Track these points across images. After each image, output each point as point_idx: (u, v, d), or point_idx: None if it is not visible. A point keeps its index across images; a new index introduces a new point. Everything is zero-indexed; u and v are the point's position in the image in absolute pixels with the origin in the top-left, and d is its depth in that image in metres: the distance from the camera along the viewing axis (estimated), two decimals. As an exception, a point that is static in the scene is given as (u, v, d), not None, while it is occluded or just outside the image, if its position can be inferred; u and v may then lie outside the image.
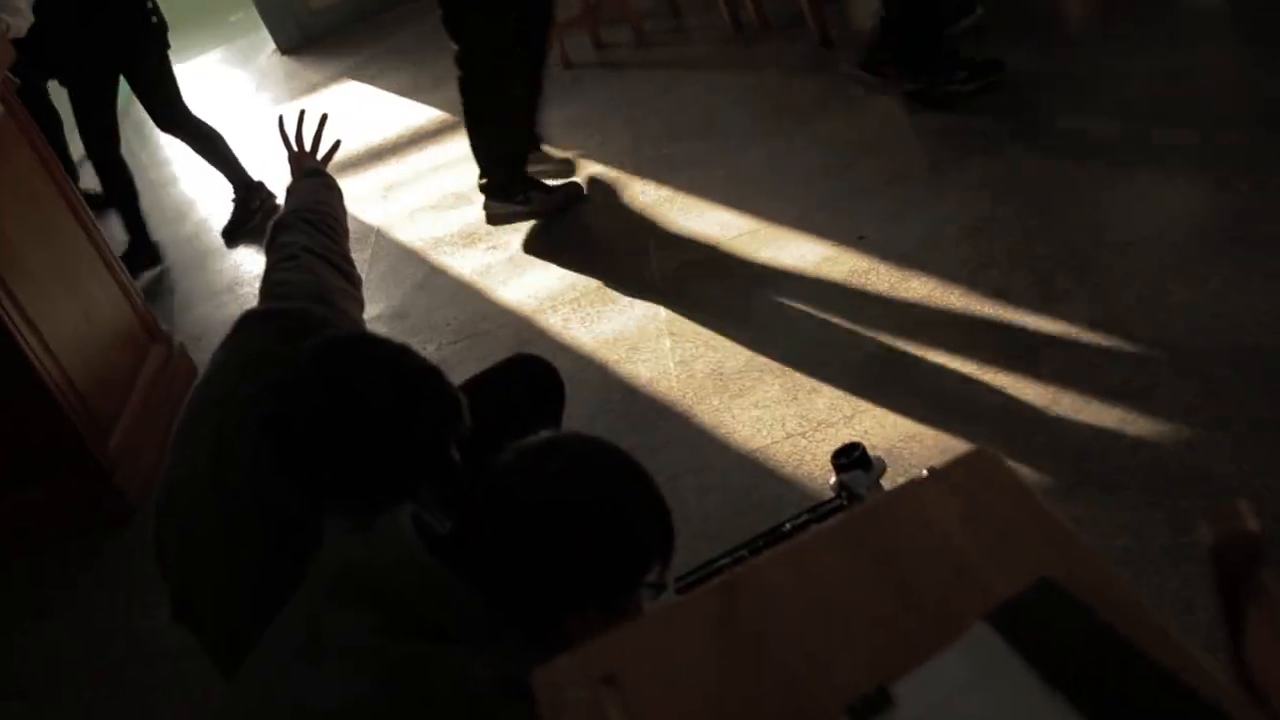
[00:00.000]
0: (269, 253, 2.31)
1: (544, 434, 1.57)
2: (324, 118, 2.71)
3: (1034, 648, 0.98)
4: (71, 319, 3.66)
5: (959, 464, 1.20)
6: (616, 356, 3.47)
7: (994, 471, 1.18)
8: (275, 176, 5.41)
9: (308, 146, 2.65)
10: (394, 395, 1.72)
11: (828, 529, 1.21)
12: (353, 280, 2.27)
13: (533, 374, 2.45)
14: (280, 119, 2.75)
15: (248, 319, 2.07)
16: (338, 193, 2.53)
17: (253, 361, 1.96)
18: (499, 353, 3.58)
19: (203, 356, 4.21)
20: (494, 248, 4.33)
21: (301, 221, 2.33)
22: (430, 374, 1.77)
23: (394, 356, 1.77)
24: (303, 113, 2.73)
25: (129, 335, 3.98)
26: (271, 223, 2.38)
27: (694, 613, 1.16)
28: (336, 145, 2.68)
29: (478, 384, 2.35)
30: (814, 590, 1.13)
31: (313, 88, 6.94)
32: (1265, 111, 3.46)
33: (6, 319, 3.35)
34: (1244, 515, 1.06)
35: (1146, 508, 2.37)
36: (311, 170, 2.56)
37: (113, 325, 3.90)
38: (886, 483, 2.16)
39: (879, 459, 2.14)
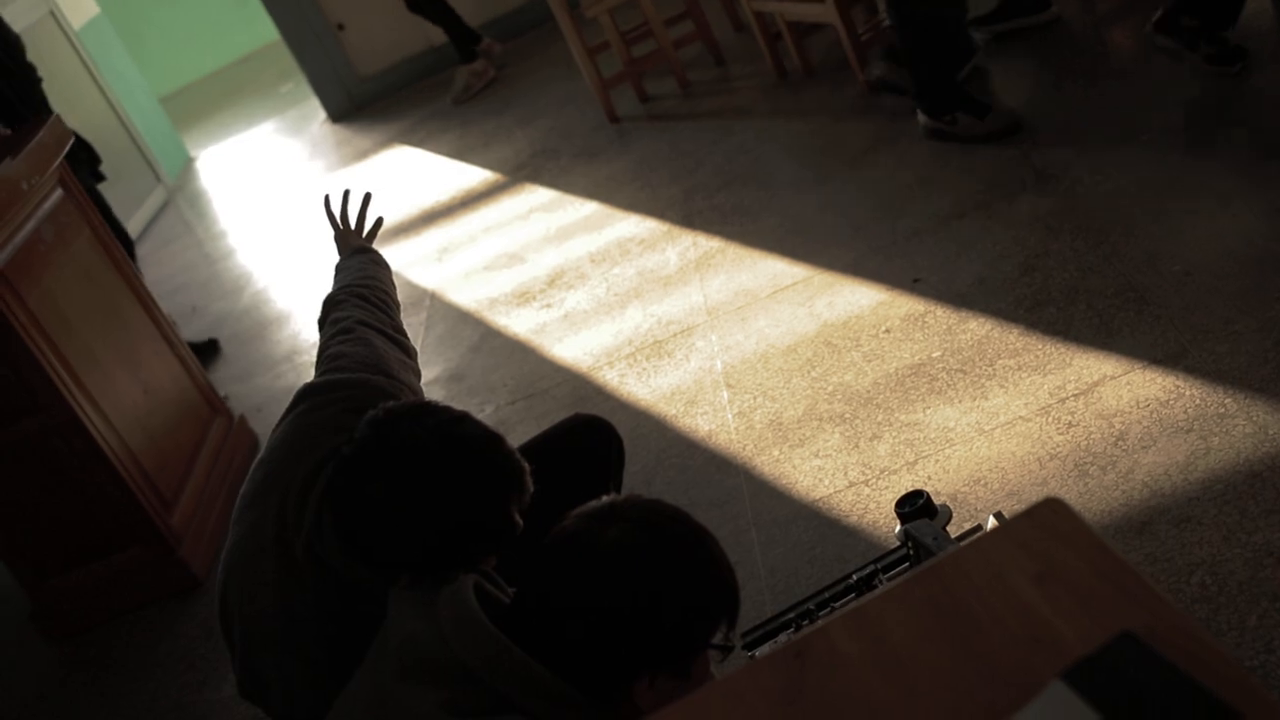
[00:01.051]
0: (323, 328, 2.33)
1: (605, 499, 1.56)
2: (367, 196, 2.75)
3: (1114, 705, 0.96)
4: (133, 395, 3.71)
5: (1028, 516, 1.18)
6: (674, 411, 3.46)
7: (1064, 521, 1.16)
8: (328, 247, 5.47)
9: (353, 224, 2.68)
10: (456, 465, 1.71)
11: (894, 588, 1.19)
12: (408, 351, 2.28)
13: (592, 434, 2.44)
14: (326, 198, 2.79)
15: (307, 392, 2.08)
16: (385, 268, 2.56)
17: (314, 433, 1.96)
18: (556, 411, 3.59)
19: (263, 427, 4.26)
20: (548, 306, 4.34)
21: (353, 297, 2.35)
22: (493, 441, 1.77)
23: (455, 425, 1.76)
24: (347, 192, 2.76)
25: (191, 409, 4.03)
26: (324, 300, 2.40)
27: (761, 682, 1.14)
28: (379, 223, 2.71)
29: (538, 446, 2.35)
30: (883, 653, 1.11)
31: (363, 154, 7.02)
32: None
33: (71, 399, 3.40)
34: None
35: (1222, 543, 2.32)
36: (358, 248, 2.59)
37: (174, 400, 3.95)
38: (953, 528, 2.14)
39: (944, 506, 2.11)
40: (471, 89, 6.94)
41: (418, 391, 2.17)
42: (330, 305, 2.37)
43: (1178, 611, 1.04)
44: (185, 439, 3.92)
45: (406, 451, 1.72)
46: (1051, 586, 1.10)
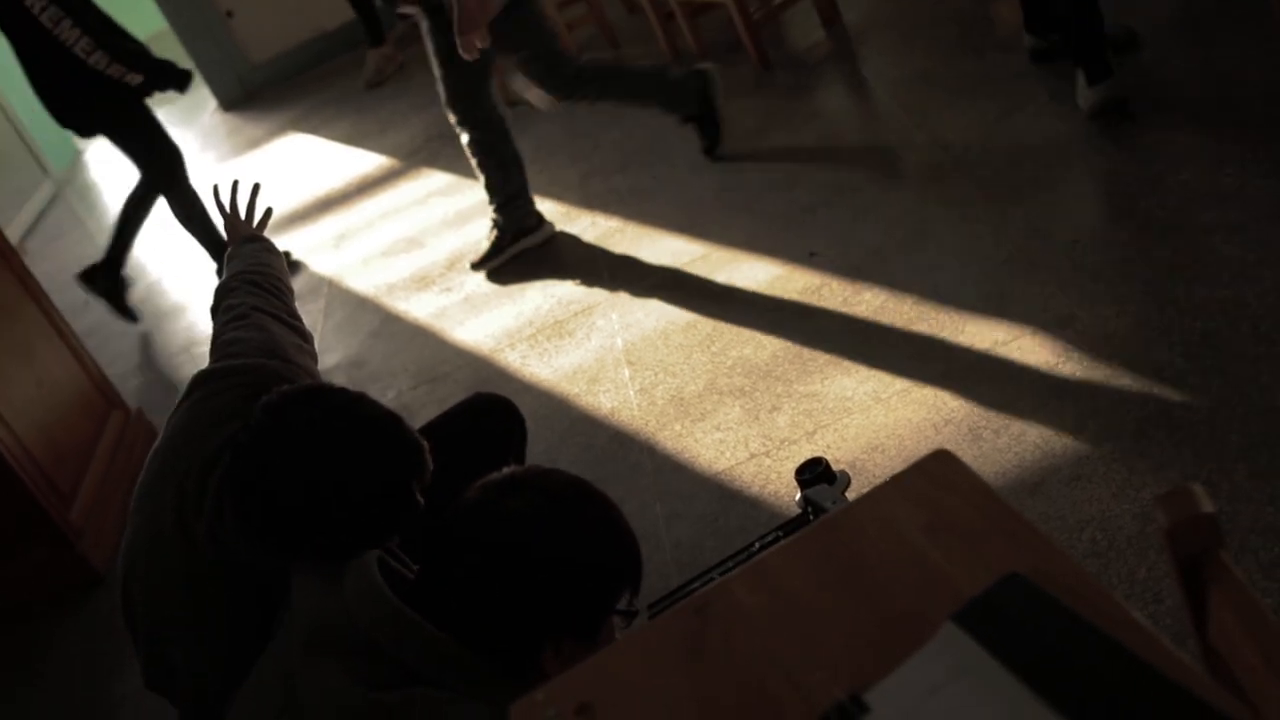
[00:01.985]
0: (216, 315, 2.30)
1: (505, 471, 1.57)
2: (256, 187, 2.73)
3: (1004, 643, 0.99)
4: (26, 390, 3.64)
5: (918, 468, 1.21)
6: (577, 390, 3.47)
7: (954, 473, 1.19)
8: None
9: (242, 215, 2.66)
10: (354, 445, 1.71)
11: (791, 543, 1.21)
12: (304, 335, 2.26)
13: (493, 412, 2.45)
14: (215, 189, 2.76)
15: (202, 379, 2.06)
16: (277, 254, 2.54)
17: (210, 420, 1.94)
18: (459, 395, 3.58)
19: (161, 419, 4.19)
20: (448, 290, 4.33)
21: (246, 284, 2.33)
22: (390, 420, 1.76)
23: (351, 405, 1.76)
24: (236, 183, 2.74)
25: (86, 403, 3.96)
26: (216, 287, 2.38)
27: (665, 637, 1.16)
28: (269, 213, 2.70)
29: (438, 426, 2.35)
30: (782, 605, 1.13)
31: (256, 142, 6.93)
32: None
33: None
34: (1199, 499, 1.07)
35: (1111, 500, 2.39)
36: (249, 236, 2.57)
37: (69, 394, 3.88)
38: (852, 494, 2.17)
39: (843, 472, 2.15)
40: (383, 72, 6.89)
41: (314, 375, 2.15)
42: (223, 292, 2.34)
43: (1063, 553, 1.08)
44: (82, 433, 3.85)
45: (303, 434, 1.71)
46: (942, 534, 1.13)
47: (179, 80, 4.75)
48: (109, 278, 5.07)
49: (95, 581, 3.60)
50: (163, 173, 4.84)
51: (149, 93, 4.65)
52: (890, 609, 1.08)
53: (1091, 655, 0.96)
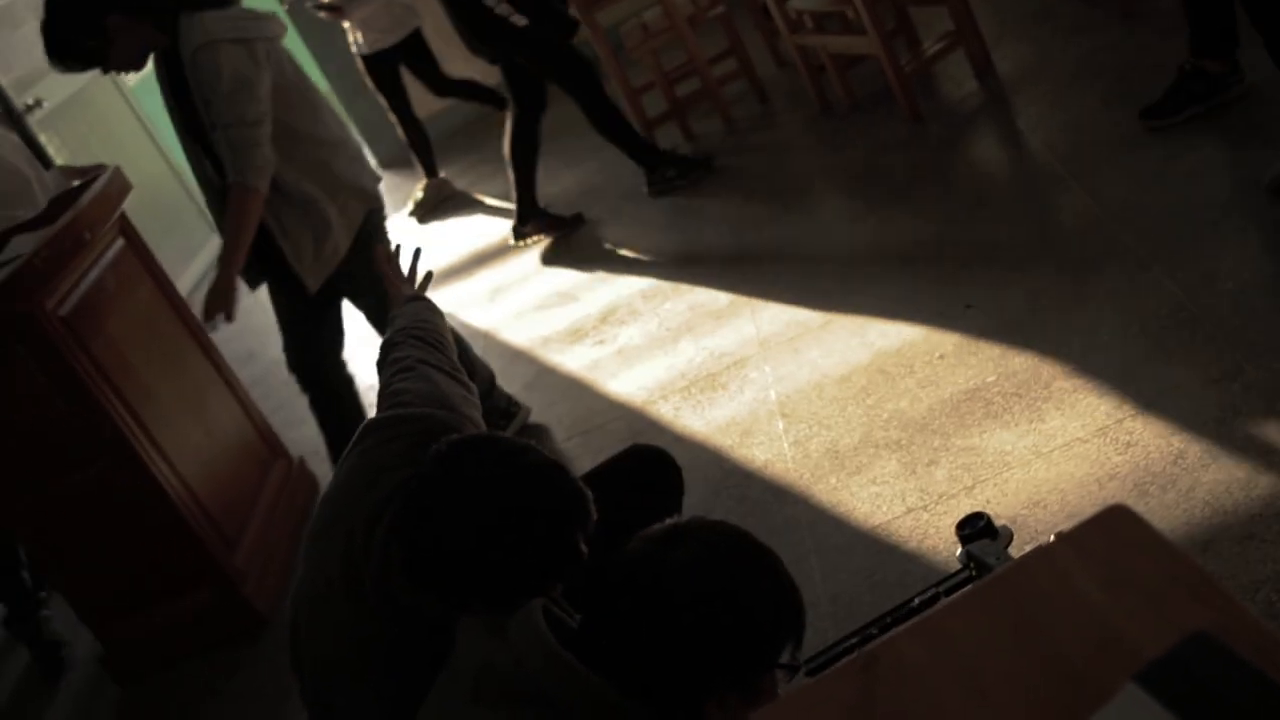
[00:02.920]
0: (382, 369, 2.36)
1: (668, 521, 1.58)
2: (417, 251, 2.81)
3: (1190, 706, 0.96)
4: (195, 439, 3.77)
5: (1093, 523, 1.18)
6: (730, 441, 3.47)
7: (1132, 528, 1.17)
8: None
9: (405, 276, 2.75)
10: (521, 493, 1.73)
11: (959, 599, 1.19)
12: (468, 387, 2.31)
13: (651, 463, 2.46)
14: (378, 251, 2.85)
15: (371, 428, 2.11)
16: (439, 314, 2.61)
17: (379, 468, 1.99)
18: (613, 446, 3.60)
19: (322, 469, 4.30)
20: (601, 342, 4.37)
21: (410, 338, 2.39)
22: (555, 469, 1.79)
23: (519, 454, 1.78)
24: (398, 246, 2.83)
25: (252, 451, 4.08)
26: (381, 343, 2.45)
27: (831, 695, 1.15)
28: (430, 276, 2.77)
29: (596, 476, 2.36)
30: (953, 663, 1.11)
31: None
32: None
33: (135, 442, 3.45)
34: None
35: (1287, 561, 2.31)
36: (411, 297, 2.64)
37: (236, 442, 4.00)
38: (1014, 550, 2.13)
39: (1005, 527, 2.11)
40: (433, 204, 6.89)
41: (479, 425, 2.19)
42: (388, 347, 2.41)
43: (1249, 610, 1.05)
44: (247, 480, 3.96)
45: (472, 483, 1.74)
46: (1121, 591, 1.10)
47: (563, 26, 5.06)
48: (535, 215, 5.48)
49: (260, 624, 3.69)
50: (529, 109, 5.27)
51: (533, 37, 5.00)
52: (1068, 668, 1.05)
53: (1282, 718, 0.92)
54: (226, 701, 3.52)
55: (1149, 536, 1.15)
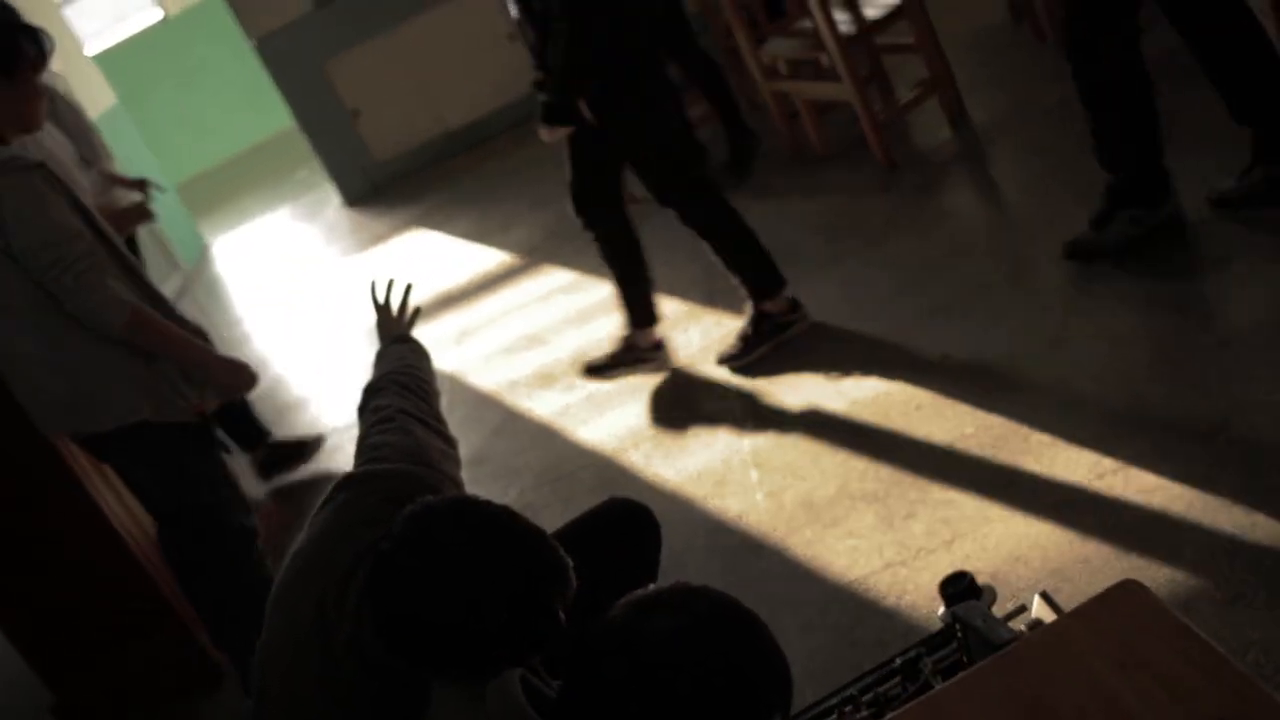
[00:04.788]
0: (363, 415, 2.29)
1: (650, 588, 1.52)
2: (408, 287, 2.75)
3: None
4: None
5: (1104, 600, 1.14)
6: (703, 492, 3.41)
7: (1142, 604, 1.12)
8: (358, 329, 5.47)
9: (393, 312, 2.67)
10: (499, 563, 1.66)
11: (968, 678, 1.14)
12: (449, 440, 2.24)
13: (629, 519, 2.40)
14: (372, 285, 2.77)
15: (346, 483, 2.03)
16: (426, 357, 2.54)
17: (353, 525, 1.92)
18: (582, 495, 3.55)
19: (290, 510, 4.22)
20: (570, 388, 4.31)
21: (394, 384, 2.32)
22: (536, 538, 1.71)
23: (496, 520, 1.71)
24: (391, 281, 2.76)
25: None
26: (364, 387, 2.38)
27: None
28: (418, 312, 2.71)
29: (575, 531, 2.30)
30: (961, 746, 1.06)
31: (380, 238, 7.03)
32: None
33: (89, 485, 3.36)
34: None
35: (1274, 623, 2.26)
36: (398, 336, 2.58)
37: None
38: (996, 609, 2.08)
39: (988, 586, 2.06)
40: None
41: (458, 482, 2.12)
42: (371, 393, 2.34)
43: (1271, 695, 1.00)
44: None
45: (447, 548, 1.66)
46: (1135, 673, 1.05)
47: None
48: (744, 139, 5.44)
49: (219, 674, 3.59)
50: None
51: None
52: (1082, 756, 1.00)
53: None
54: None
55: (1161, 613, 1.10)
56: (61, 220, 2.74)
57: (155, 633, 3.59)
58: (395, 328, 2.62)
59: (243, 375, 3.10)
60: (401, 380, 2.34)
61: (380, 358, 2.50)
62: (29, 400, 2.95)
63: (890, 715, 1.32)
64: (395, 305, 2.68)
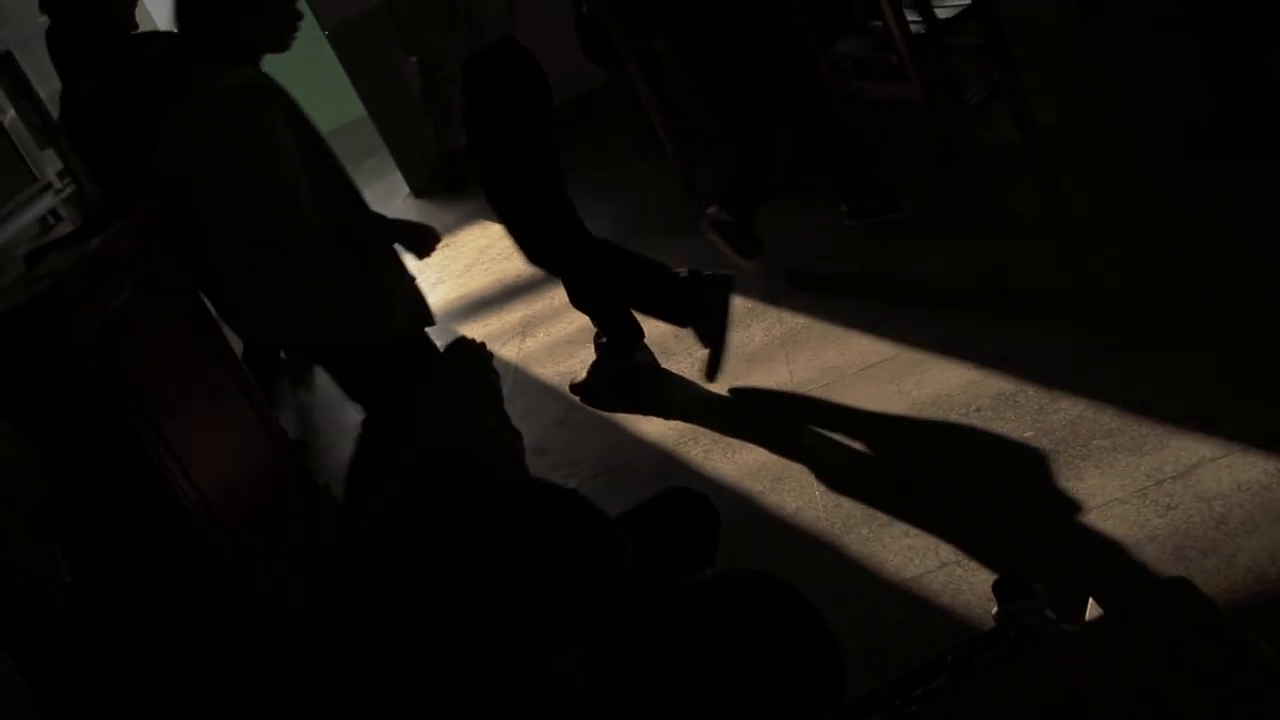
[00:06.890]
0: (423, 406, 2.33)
1: (710, 573, 1.55)
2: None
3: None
4: (220, 462, 3.73)
5: (1151, 595, 1.15)
6: (761, 486, 3.43)
7: (1191, 602, 1.13)
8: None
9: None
10: (566, 548, 1.69)
11: (1009, 672, 1.16)
12: (513, 431, 2.28)
13: (689, 507, 2.43)
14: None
15: (409, 457, 2.07)
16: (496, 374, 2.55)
17: (420, 506, 1.95)
18: (641, 486, 3.58)
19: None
20: (632, 380, 4.33)
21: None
22: (601, 524, 1.74)
23: (567, 507, 1.74)
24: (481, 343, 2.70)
25: (273, 475, 4.03)
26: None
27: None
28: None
29: (633, 518, 2.33)
30: (1006, 738, 1.08)
31: (447, 229, 7.08)
32: None
33: (163, 467, 3.43)
34: None
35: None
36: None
37: (258, 467, 3.96)
38: (1050, 611, 2.09)
39: (1040, 587, 2.07)
40: None
41: (523, 464, 2.15)
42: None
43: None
44: (267, 504, 3.92)
45: (516, 532, 1.69)
46: (1179, 672, 1.06)
47: None
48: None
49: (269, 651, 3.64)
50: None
51: None
52: (1126, 751, 1.01)
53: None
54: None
55: (1211, 613, 1.11)
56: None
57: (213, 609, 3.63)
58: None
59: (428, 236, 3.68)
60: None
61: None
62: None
63: (933, 705, 1.33)
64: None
